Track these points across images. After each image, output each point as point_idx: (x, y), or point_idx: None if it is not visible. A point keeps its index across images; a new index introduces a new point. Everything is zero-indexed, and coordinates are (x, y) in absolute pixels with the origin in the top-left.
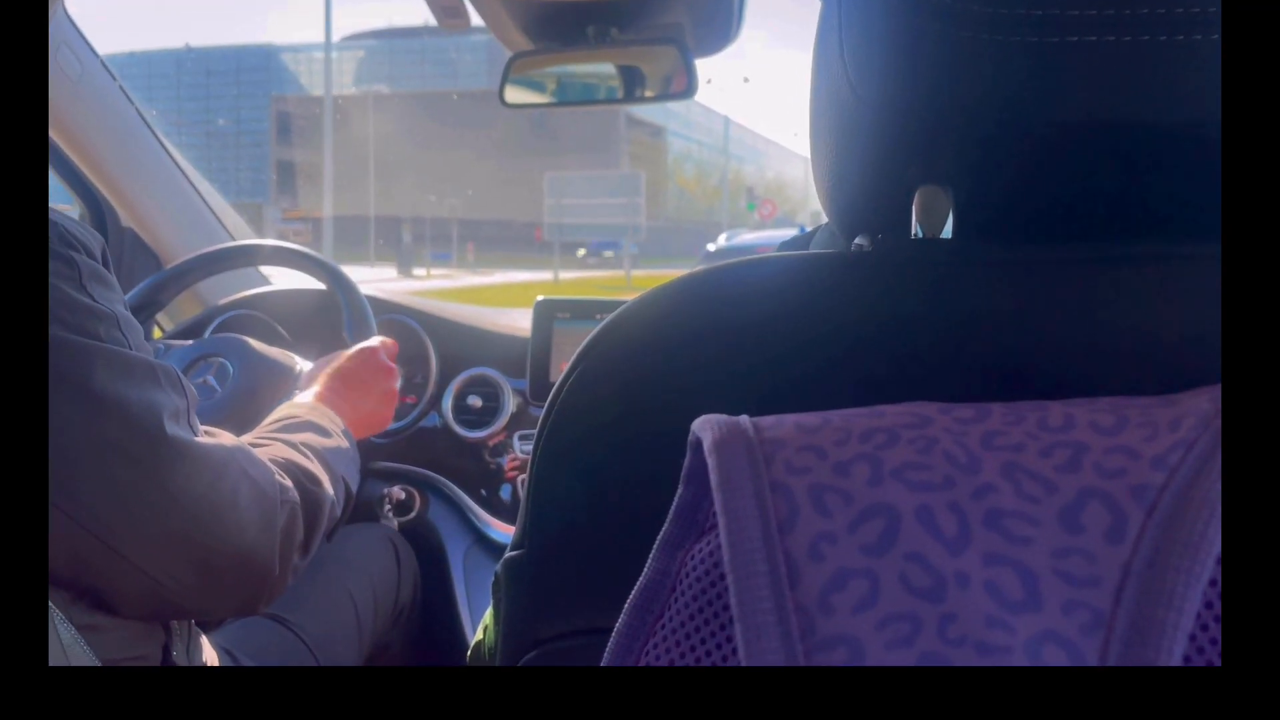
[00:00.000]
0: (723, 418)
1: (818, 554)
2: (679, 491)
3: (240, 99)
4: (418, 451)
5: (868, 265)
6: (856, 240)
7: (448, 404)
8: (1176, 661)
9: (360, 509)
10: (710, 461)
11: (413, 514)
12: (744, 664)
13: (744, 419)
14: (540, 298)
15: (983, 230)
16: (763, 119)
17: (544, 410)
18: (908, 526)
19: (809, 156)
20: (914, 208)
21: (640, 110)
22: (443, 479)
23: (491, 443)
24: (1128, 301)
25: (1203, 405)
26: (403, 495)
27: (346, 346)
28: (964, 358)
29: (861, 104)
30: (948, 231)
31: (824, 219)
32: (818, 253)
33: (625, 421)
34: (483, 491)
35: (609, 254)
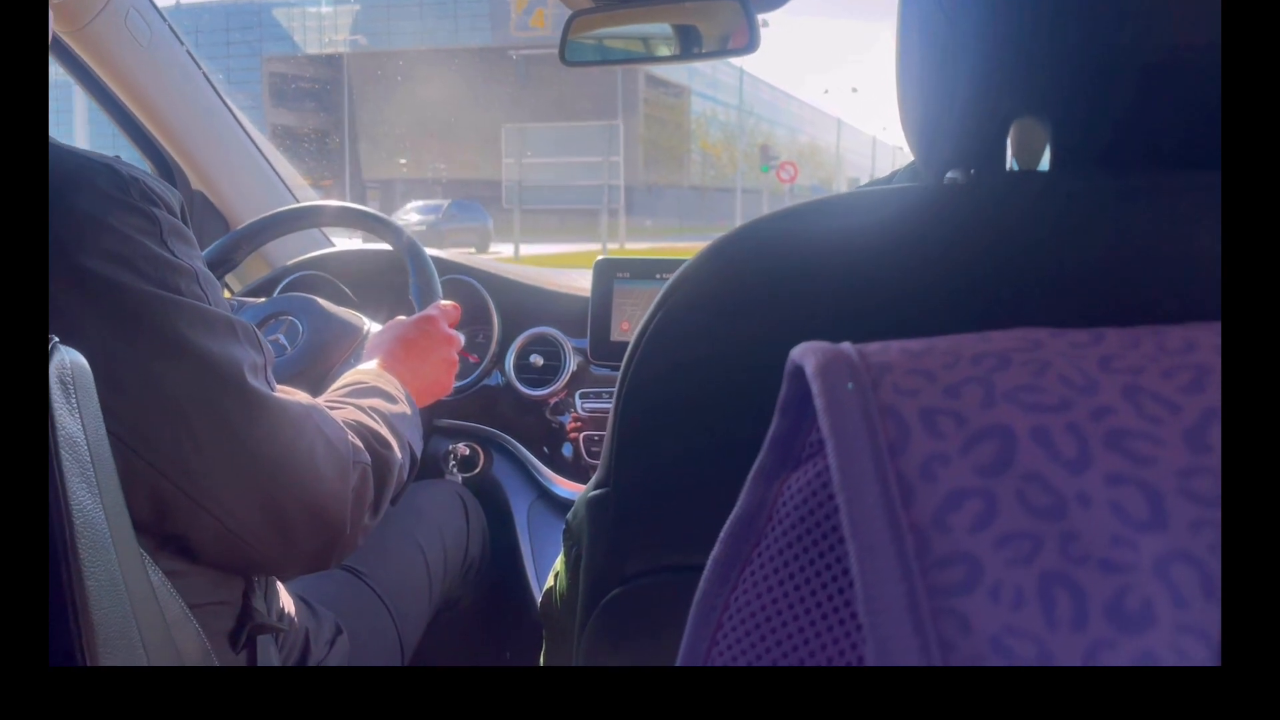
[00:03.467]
0: (825, 344)
1: (930, 474)
2: (775, 422)
3: (230, 59)
4: (481, 409)
5: (966, 197)
6: (950, 174)
7: (510, 363)
8: None
9: (426, 465)
10: (815, 386)
11: (477, 470)
12: (857, 583)
13: (847, 345)
14: (600, 257)
15: (1081, 162)
16: (791, 78)
17: (628, 350)
18: (1024, 447)
19: (840, 119)
20: (1009, 141)
21: (661, 69)
22: (506, 436)
23: (553, 401)
24: (1210, 227)
25: None
26: (467, 451)
27: (412, 309)
28: (1072, 286)
29: (957, 33)
30: (1044, 165)
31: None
32: (909, 186)
33: (712, 359)
34: (545, 449)
35: (648, 222)
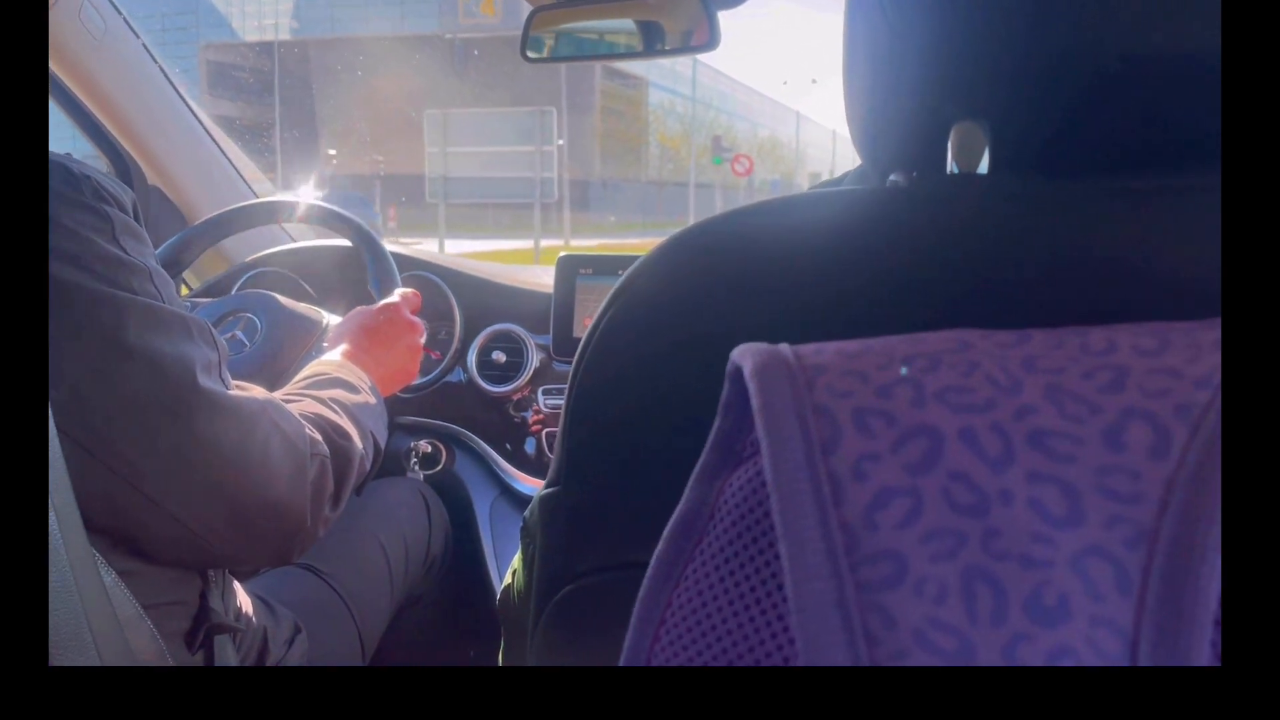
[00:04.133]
0: (762, 346)
1: (861, 473)
2: (717, 422)
3: (165, 46)
4: (444, 406)
5: (906, 200)
6: (891, 178)
7: (472, 359)
8: (1218, 578)
9: (387, 462)
10: (751, 386)
11: (439, 467)
12: (787, 580)
13: (784, 346)
14: (563, 253)
15: (1019, 166)
16: (752, 70)
17: (579, 349)
18: (951, 446)
19: (799, 112)
20: (950, 144)
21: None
22: (468, 433)
23: (516, 397)
24: (1166, 231)
25: None
26: (429, 448)
27: (372, 301)
28: (1005, 289)
29: (898, 38)
30: (983, 168)
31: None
32: (852, 189)
33: (662, 357)
34: (507, 445)
35: (612, 218)
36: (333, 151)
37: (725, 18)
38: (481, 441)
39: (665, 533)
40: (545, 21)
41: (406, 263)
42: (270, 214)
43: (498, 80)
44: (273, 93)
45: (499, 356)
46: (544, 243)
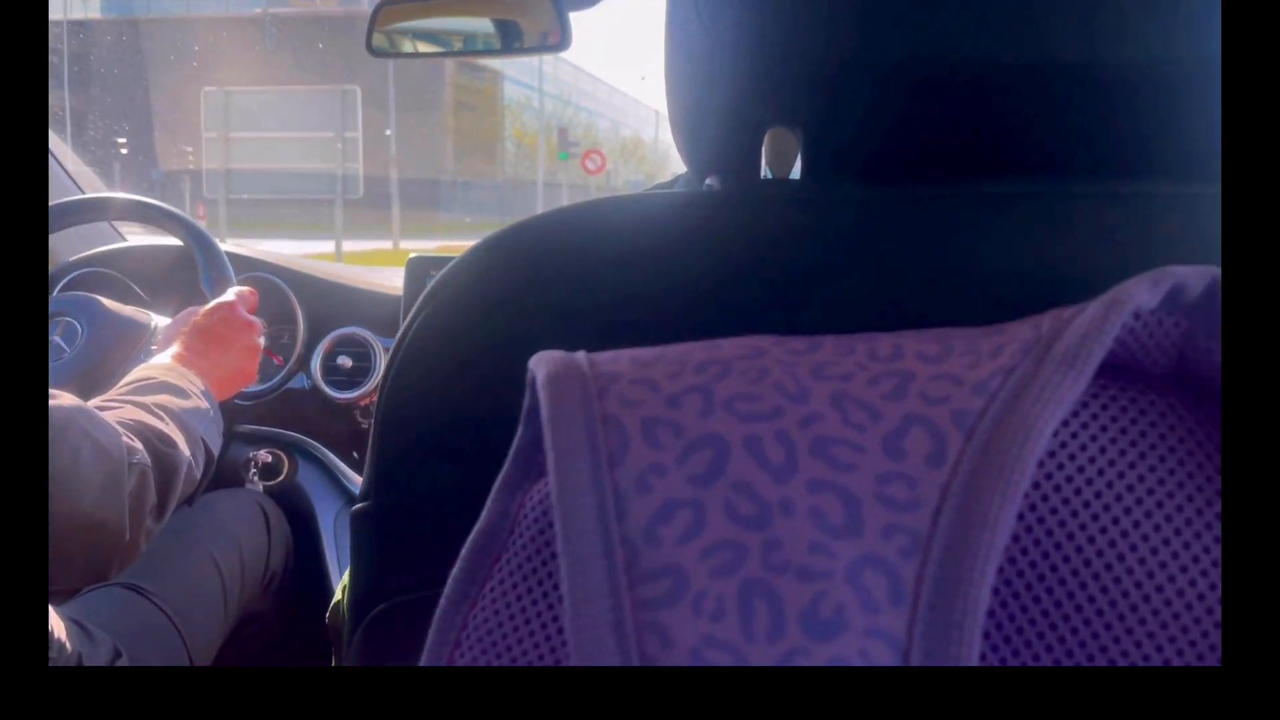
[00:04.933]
0: (558, 353)
1: (645, 486)
2: (519, 431)
3: None
4: (286, 414)
5: (713, 205)
6: (707, 181)
7: (316, 364)
8: (988, 584)
9: (225, 473)
10: (542, 396)
11: (280, 478)
12: (565, 599)
13: (580, 354)
14: (413, 255)
15: (830, 171)
16: (613, 68)
17: (390, 353)
18: (736, 456)
19: (658, 112)
20: (763, 149)
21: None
22: (312, 441)
23: (363, 404)
24: (967, 236)
25: (1025, 333)
26: (269, 458)
27: (206, 302)
28: (811, 294)
29: (713, 43)
30: (796, 173)
31: None
32: (664, 192)
33: (468, 367)
34: (354, 454)
35: (468, 219)
36: (122, 140)
37: (593, 12)
38: (326, 450)
39: (465, 548)
40: (394, 16)
41: (244, 263)
42: (95, 211)
43: (337, 71)
44: (87, 79)
45: (345, 361)
46: (373, 245)
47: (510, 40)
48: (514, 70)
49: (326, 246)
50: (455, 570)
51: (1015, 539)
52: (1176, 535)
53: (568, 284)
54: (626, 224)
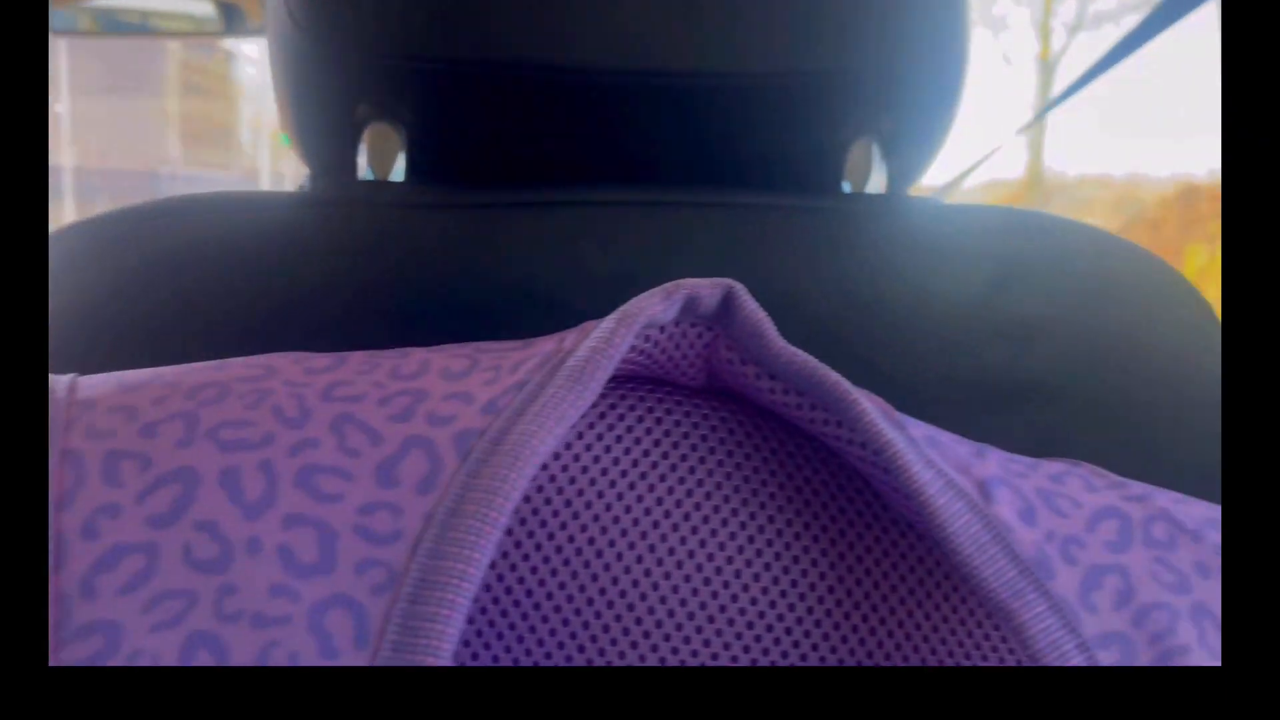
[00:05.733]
0: (64, 379)
1: (92, 531)
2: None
3: None
4: None
5: (297, 207)
6: (301, 182)
7: None
8: (460, 615)
9: None
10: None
11: None
12: None
13: (66, 379)
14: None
15: (435, 172)
16: None
17: None
18: (207, 491)
19: None
20: (364, 147)
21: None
22: None
23: None
24: (562, 244)
25: (549, 346)
26: None
27: None
28: (396, 304)
29: (303, 34)
30: (399, 174)
31: None
32: (256, 192)
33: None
34: None
35: None
36: None
37: None
38: None
39: None
40: None
41: None
42: None
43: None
44: None
45: None
46: None
47: (234, 24)
48: (252, 49)
49: None
50: None
51: (504, 555)
52: (697, 535)
53: (151, 289)
54: (224, 229)
